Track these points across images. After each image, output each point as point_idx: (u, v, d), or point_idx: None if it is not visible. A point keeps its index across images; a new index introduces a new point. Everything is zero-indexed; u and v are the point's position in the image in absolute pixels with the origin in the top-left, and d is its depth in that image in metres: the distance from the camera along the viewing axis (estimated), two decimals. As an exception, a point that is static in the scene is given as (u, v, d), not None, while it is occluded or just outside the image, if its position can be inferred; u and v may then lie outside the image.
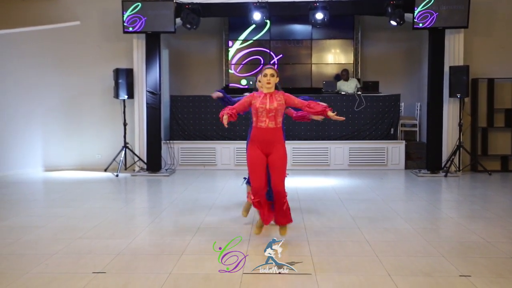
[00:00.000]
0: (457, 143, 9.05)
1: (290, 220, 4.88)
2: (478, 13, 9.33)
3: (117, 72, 9.35)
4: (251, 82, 10.72)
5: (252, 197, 4.80)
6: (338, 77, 11.07)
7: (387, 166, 9.71)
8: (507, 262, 4.19)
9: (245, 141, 5.44)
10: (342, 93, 10.16)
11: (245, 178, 5.80)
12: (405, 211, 6.21)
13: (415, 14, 8.82)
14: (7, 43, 9.54)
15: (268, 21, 10.97)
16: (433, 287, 3.65)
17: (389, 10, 8.95)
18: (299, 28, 11.57)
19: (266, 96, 4.74)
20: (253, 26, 11.01)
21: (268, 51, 11.54)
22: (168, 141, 9.80)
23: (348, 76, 10.57)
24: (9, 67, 9.54)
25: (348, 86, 10.35)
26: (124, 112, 9.54)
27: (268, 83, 4.72)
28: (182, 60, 11.33)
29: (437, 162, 9.11)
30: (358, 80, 10.77)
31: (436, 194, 7.59)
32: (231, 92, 11.08)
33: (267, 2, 9.11)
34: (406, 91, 10.74)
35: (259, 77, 4.99)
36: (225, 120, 4.53)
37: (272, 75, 4.73)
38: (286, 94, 4.81)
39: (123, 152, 9.50)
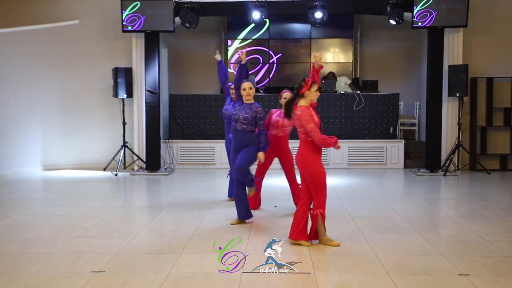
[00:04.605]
0: (456, 142, 9.06)
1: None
2: (477, 12, 9.34)
3: (116, 71, 9.34)
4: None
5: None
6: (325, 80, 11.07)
7: (386, 165, 9.71)
8: (506, 261, 4.20)
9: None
10: (342, 92, 10.15)
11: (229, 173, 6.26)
12: (404, 210, 6.21)
13: (414, 13, 8.82)
14: (7, 42, 9.52)
15: (267, 20, 10.95)
16: (432, 286, 3.65)
17: (388, 9, 8.95)
18: (298, 27, 11.56)
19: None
20: (252, 25, 11.00)
21: (267, 50, 11.53)
22: (167, 140, 9.79)
23: (335, 76, 10.55)
24: (8, 66, 9.53)
25: (338, 86, 10.32)
26: (123, 111, 9.54)
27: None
28: (181, 59, 11.32)
29: (436, 161, 9.12)
30: (355, 79, 10.74)
31: (435, 193, 7.59)
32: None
33: (266, 1, 9.10)
34: (405, 90, 10.74)
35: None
36: None
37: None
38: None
39: (122, 151, 9.49)
